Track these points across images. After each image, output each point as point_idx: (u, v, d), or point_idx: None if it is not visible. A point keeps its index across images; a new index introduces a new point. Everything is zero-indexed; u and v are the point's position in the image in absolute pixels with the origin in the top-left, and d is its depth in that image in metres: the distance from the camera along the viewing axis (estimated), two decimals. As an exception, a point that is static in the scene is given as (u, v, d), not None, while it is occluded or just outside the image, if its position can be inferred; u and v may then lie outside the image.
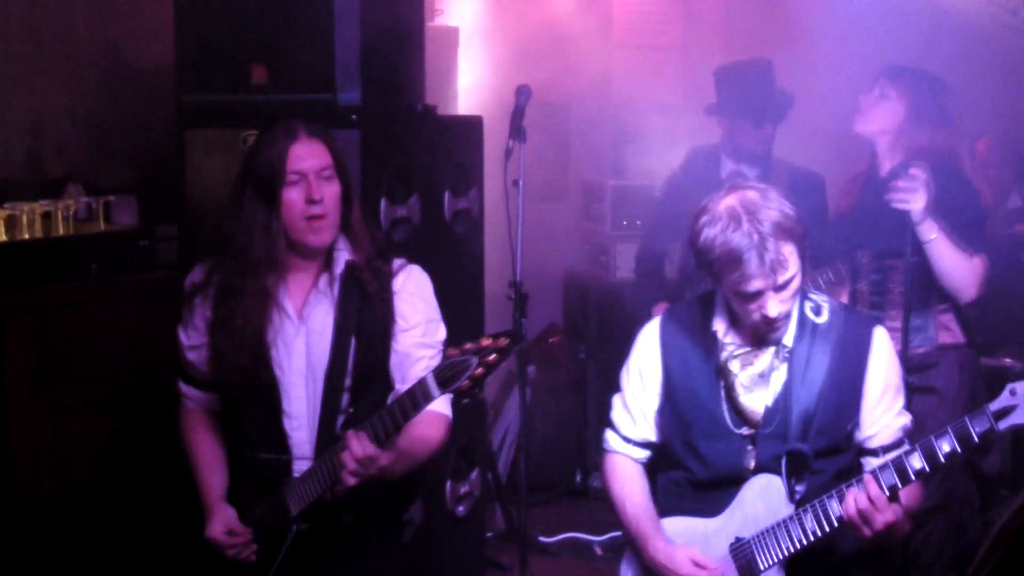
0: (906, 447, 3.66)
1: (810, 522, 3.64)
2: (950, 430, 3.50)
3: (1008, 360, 6.16)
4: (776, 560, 3.69)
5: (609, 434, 4.07)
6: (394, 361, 3.96)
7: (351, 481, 3.63)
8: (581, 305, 8.19)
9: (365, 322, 3.93)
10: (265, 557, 3.96)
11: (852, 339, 3.81)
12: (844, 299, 5.11)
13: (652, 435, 4.00)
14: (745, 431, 3.80)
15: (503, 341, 3.37)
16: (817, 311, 3.82)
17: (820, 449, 3.75)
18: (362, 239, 3.99)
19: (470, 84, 7.95)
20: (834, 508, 3.61)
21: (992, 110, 7.12)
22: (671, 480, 3.96)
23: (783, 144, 6.06)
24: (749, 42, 7.81)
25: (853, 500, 3.56)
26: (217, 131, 5.18)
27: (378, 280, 3.95)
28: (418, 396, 3.50)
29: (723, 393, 3.83)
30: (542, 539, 6.96)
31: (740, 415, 3.81)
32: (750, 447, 3.79)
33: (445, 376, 3.41)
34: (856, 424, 3.83)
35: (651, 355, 3.97)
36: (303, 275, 3.99)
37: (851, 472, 3.76)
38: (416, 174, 5.22)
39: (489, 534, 6.49)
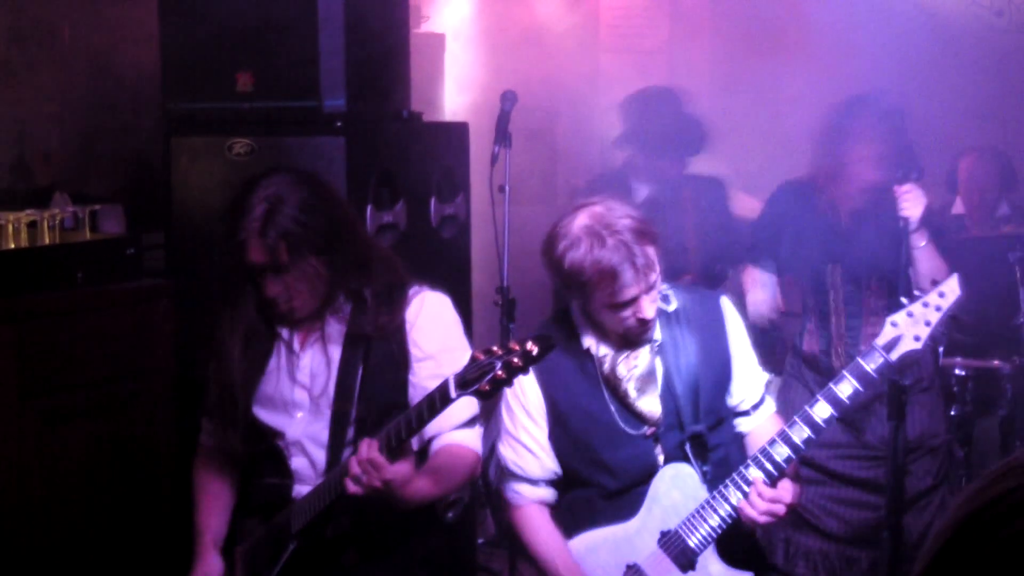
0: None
1: (734, 494, 3.74)
2: (846, 373, 3.76)
3: (996, 362, 6.17)
4: (710, 539, 3.77)
5: (513, 487, 4.04)
6: (411, 393, 3.85)
7: (352, 488, 3.52)
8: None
9: (373, 353, 3.87)
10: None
11: (707, 315, 3.97)
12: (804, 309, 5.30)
13: (555, 465, 4.01)
14: (647, 430, 3.87)
15: (532, 347, 3.30)
16: (666, 300, 3.92)
17: (711, 425, 3.89)
18: (363, 279, 3.90)
19: (456, 90, 7.95)
20: (779, 452, 3.75)
21: (978, 113, 7.14)
22: (579, 498, 3.99)
23: (767, 149, 6.08)
24: (735, 45, 7.83)
25: (757, 499, 3.70)
26: (203, 139, 5.18)
27: (387, 313, 3.87)
28: (436, 398, 3.43)
29: (614, 403, 3.89)
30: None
31: (638, 417, 3.88)
32: (655, 444, 3.87)
33: (467, 378, 3.35)
34: (729, 392, 3.99)
35: (530, 389, 3.98)
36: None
37: (733, 442, 4.01)
38: (402, 180, 5.22)
39: (480, 540, 6.47)
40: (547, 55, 8.10)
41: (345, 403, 3.86)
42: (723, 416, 3.97)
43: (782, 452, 3.76)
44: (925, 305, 3.71)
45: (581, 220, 3.75)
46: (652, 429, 3.87)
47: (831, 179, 5.26)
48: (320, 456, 3.89)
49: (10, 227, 4.75)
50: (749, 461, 3.77)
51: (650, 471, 3.86)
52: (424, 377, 3.82)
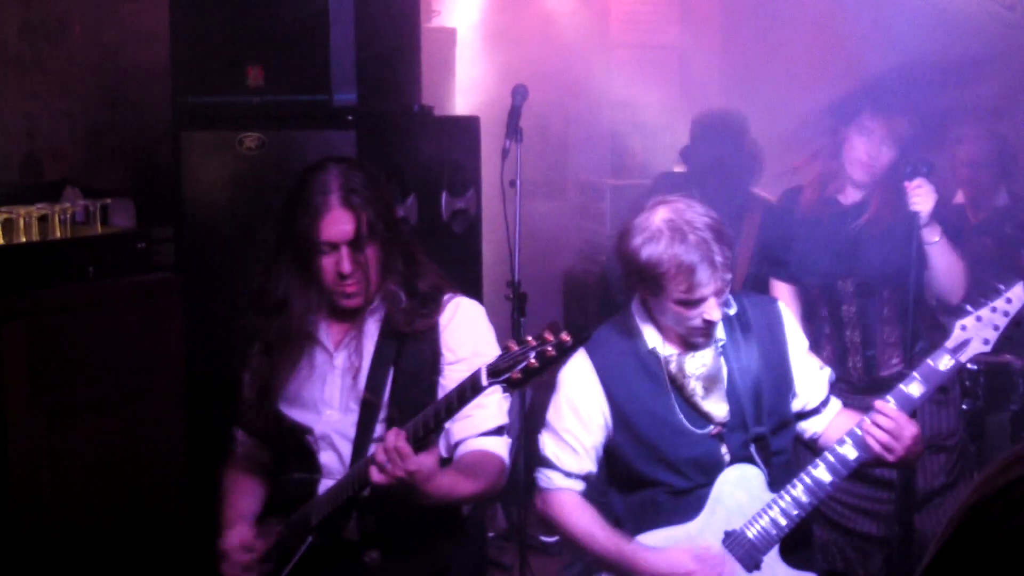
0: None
1: (805, 494, 3.78)
2: (916, 374, 3.83)
3: (1009, 356, 6.15)
4: (776, 540, 3.79)
5: (546, 473, 4.03)
6: (440, 397, 3.79)
7: (376, 476, 3.50)
8: (581, 305, 8.18)
9: (405, 356, 3.88)
10: (277, 570, 3.93)
11: (766, 319, 3.99)
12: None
13: (592, 466, 4.01)
14: (712, 430, 3.87)
15: (566, 337, 3.29)
16: (727, 303, 3.91)
17: (773, 428, 3.90)
18: (402, 281, 3.91)
19: (467, 84, 7.95)
20: (847, 453, 3.80)
21: (987, 107, 7.12)
22: (645, 499, 3.97)
23: (778, 147, 6.06)
24: (746, 41, 7.82)
25: (876, 429, 3.76)
26: (213, 133, 5.18)
27: (420, 315, 3.88)
28: (467, 387, 3.42)
29: (679, 403, 3.89)
30: (543, 538, 6.95)
31: (704, 417, 3.88)
32: (720, 444, 3.87)
33: (498, 368, 3.34)
34: (793, 395, 3.99)
35: (588, 390, 3.97)
36: (343, 315, 3.96)
37: (810, 440, 4.08)
38: (413, 174, 5.22)
39: (491, 534, 6.48)
40: (558, 50, 8.09)
41: (375, 400, 3.86)
42: (787, 420, 3.97)
43: (851, 453, 3.78)
44: (993, 310, 3.80)
45: (662, 214, 3.75)
46: (718, 428, 3.87)
47: (832, 177, 5.26)
48: (348, 450, 3.90)
49: (21, 221, 4.75)
50: (818, 461, 3.80)
51: (716, 470, 3.86)
52: (454, 380, 3.74)
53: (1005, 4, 7.26)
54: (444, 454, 3.84)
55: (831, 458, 3.79)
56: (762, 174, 6.12)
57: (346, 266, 3.80)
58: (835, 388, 5.30)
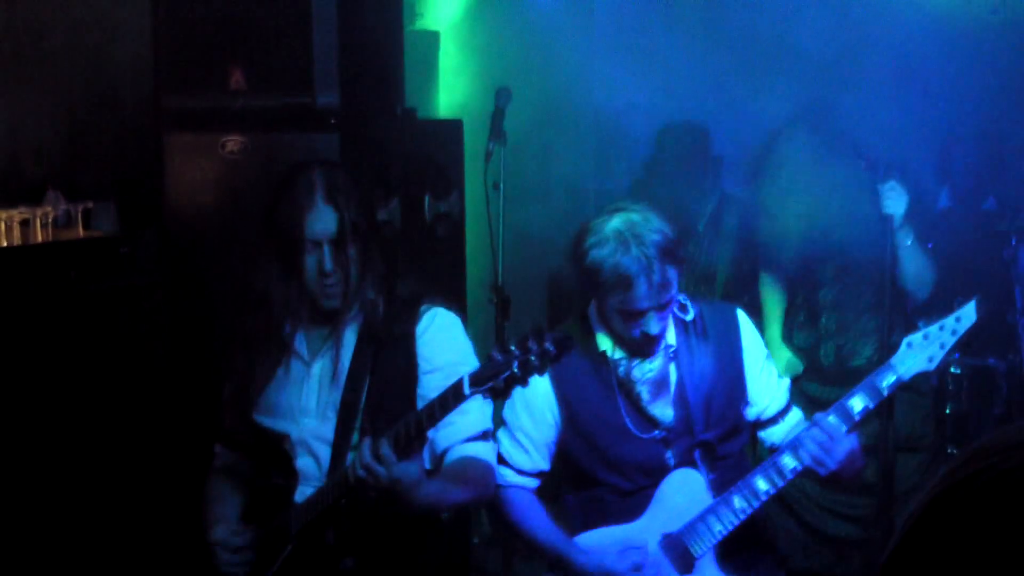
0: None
1: (739, 501, 3.81)
2: (858, 391, 3.83)
3: (992, 359, 6.16)
4: (710, 545, 3.83)
5: (500, 470, 4.07)
6: (420, 406, 3.83)
7: (360, 473, 3.52)
8: (565, 309, 8.16)
9: (382, 364, 3.90)
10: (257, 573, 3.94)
11: (722, 325, 4.00)
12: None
13: (545, 464, 4.09)
14: (657, 434, 3.92)
15: (550, 347, 3.33)
16: (684, 309, 3.98)
17: (722, 434, 3.94)
18: (381, 287, 3.95)
19: (451, 87, 7.93)
20: (786, 463, 3.81)
21: (971, 109, 7.13)
22: (590, 498, 4.06)
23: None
24: (731, 44, 7.81)
25: (811, 442, 3.77)
26: (196, 136, 5.17)
27: (397, 324, 3.92)
28: (449, 396, 3.46)
29: (626, 406, 3.94)
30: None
31: (650, 421, 3.92)
32: (666, 448, 3.92)
33: (481, 376, 3.39)
34: (746, 402, 4.00)
35: (541, 388, 4.01)
36: (321, 320, 3.97)
37: (744, 453, 4.07)
38: (396, 177, 5.20)
39: (475, 540, 6.46)
40: (541, 53, 8.08)
41: (351, 408, 3.88)
42: (739, 426, 4.01)
43: (788, 463, 3.79)
44: (941, 328, 3.81)
45: (614, 223, 3.81)
46: (663, 433, 3.91)
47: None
48: (326, 456, 3.91)
49: (2, 225, 4.73)
50: (756, 469, 3.81)
51: (660, 474, 3.91)
52: (431, 389, 3.80)
53: (988, 7, 7.27)
54: (428, 466, 3.85)
55: (768, 467, 3.81)
56: (727, 177, 6.13)
57: (328, 264, 3.82)
58: (806, 380, 5.36)
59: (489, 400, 3.85)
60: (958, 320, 3.79)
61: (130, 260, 5.12)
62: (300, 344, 3.99)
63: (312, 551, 3.87)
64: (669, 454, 3.90)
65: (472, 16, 8.25)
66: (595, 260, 3.78)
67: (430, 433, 3.68)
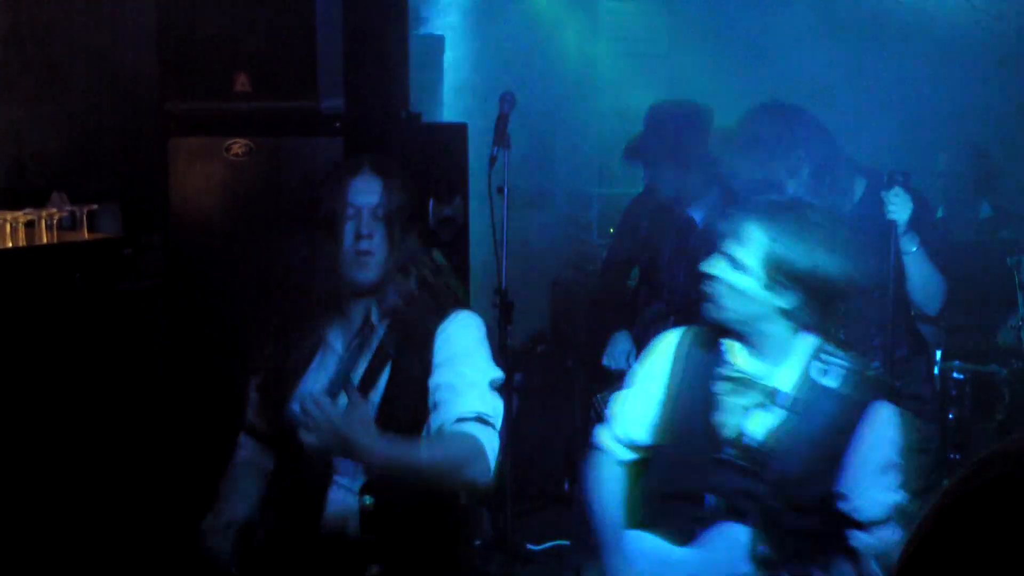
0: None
1: None
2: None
3: (994, 366, 6.17)
4: None
5: (600, 430, 4.02)
6: (430, 399, 3.87)
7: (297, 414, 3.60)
8: (568, 313, 8.18)
9: (402, 357, 3.93)
10: None
11: (850, 407, 3.69)
12: None
13: (644, 437, 3.92)
14: (717, 456, 3.73)
15: None
16: (825, 373, 3.72)
17: (794, 509, 3.68)
18: (416, 280, 3.98)
19: (455, 91, 7.95)
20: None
21: (973, 116, 7.15)
22: (649, 488, 3.94)
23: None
24: (734, 48, 7.83)
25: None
26: (201, 139, 5.18)
27: (423, 320, 3.94)
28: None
29: (708, 408, 3.77)
30: (530, 547, 6.94)
31: (715, 431, 3.74)
32: (717, 470, 3.73)
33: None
34: (840, 494, 3.70)
35: (663, 358, 3.93)
36: (352, 310, 4.01)
37: (818, 539, 3.72)
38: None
39: (477, 542, 6.47)
40: (546, 58, 8.10)
41: (368, 397, 3.89)
42: (811, 507, 3.71)
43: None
44: None
45: None
46: (719, 454, 3.73)
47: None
48: None
49: (8, 227, 4.74)
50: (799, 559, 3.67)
51: (698, 488, 3.76)
52: (436, 383, 3.84)
53: (992, 14, 7.28)
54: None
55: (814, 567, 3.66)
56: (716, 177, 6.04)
57: (364, 227, 3.87)
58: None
59: (497, 394, 3.87)
60: None
61: (134, 263, 5.13)
62: (334, 337, 4.02)
63: (341, 553, 3.90)
64: (716, 480, 3.72)
65: (476, 21, 8.27)
66: None
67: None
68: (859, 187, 5.25)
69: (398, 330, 3.95)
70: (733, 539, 3.69)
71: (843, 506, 3.70)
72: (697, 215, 5.87)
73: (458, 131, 5.77)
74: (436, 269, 4.07)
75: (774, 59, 7.34)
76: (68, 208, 5.13)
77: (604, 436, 4.03)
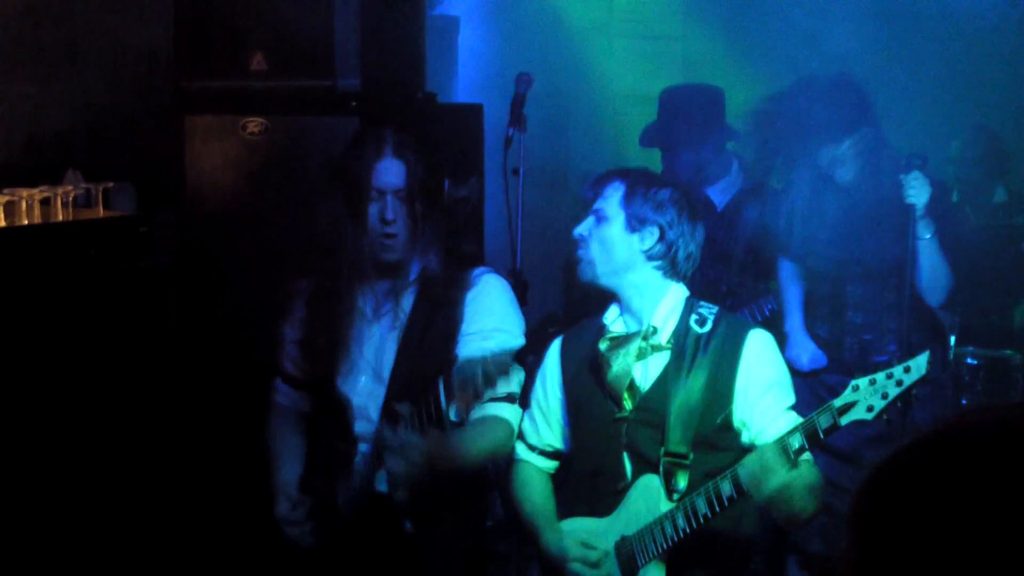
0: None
1: (682, 520, 3.73)
2: (798, 429, 3.61)
3: (1008, 352, 6.16)
4: (652, 556, 3.80)
5: (518, 444, 4.19)
6: (455, 366, 3.91)
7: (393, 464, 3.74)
8: (582, 295, 8.16)
9: (433, 327, 4.05)
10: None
11: (728, 343, 3.89)
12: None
13: (557, 442, 4.15)
14: (619, 416, 3.90)
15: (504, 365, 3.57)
16: (701, 322, 3.93)
17: (697, 450, 3.84)
18: (440, 251, 4.10)
19: (470, 72, 7.94)
20: (723, 488, 3.68)
21: (989, 102, 7.14)
22: (573, 476, 4.10)
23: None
24: (749, 31, 7.81)
25: (746, 467, 3.63)
26: (216, 117, 5.18)
27: (452, 289, 4.07)
28: (430, 409, 3.76)
29: (601, 377, 3.94)
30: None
31: (610, 395, 3.91)
32: (623, 430, 3.90)
33: (452, 391, 3.67)
34: (739, 424, 3.87)
35: (552, 364, 4.14)
36: (382, 280, 4.13)
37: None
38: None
39: (488, 523, 6.47)
40: (562, 39, 8.09)
41: (404, 370, 4.04)
42: (722, 446, 3.88)
43: (726, 488, 3.70)
44: (889, 376, 3.60)
45: None
46: (622, 415, 3.90)
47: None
48: (377, 416, 4.07)
49: (23, 204, 4.74)
50: (701, 489, 3.73)
51: (611, 455, 3.92)
52: (466, 349, 3.97)
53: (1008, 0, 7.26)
54: (454, 418, 4.02)
55: (709, 489, 3.71)
56: (739, 163, 6.02)
57: (390, 213, 3.98)
58: (827, 373, 5.34)
59: (517, 366, 3.91)
60: (907, 371, 3.60)
61: (149, 240, 5.13)
62: (364, 301, 4.13)
63: (374, 532, 4.06)
64: (625, 441, 3.89)
65: (492, 1, 8.25)
66: None
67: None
68: (886, 158, 5.23)
69: (427, 299, 4.07)
70: (649, 487, 3.85)
71: (745, 437, 3.87)
72: (716, 197, 5.87)
73: (474, 111, 5.78)
74: (456, 236, 4.18)
75: (789, 42, 7.32)
76: (83, 186, 5.13)
77: (522, 450, 4.19)
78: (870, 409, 3.57)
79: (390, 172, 3.99)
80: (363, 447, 4.09)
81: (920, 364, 3.58)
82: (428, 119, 5.39)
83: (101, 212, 5.05)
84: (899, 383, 3.58)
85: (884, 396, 3.58)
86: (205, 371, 5.11)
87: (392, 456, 3.71)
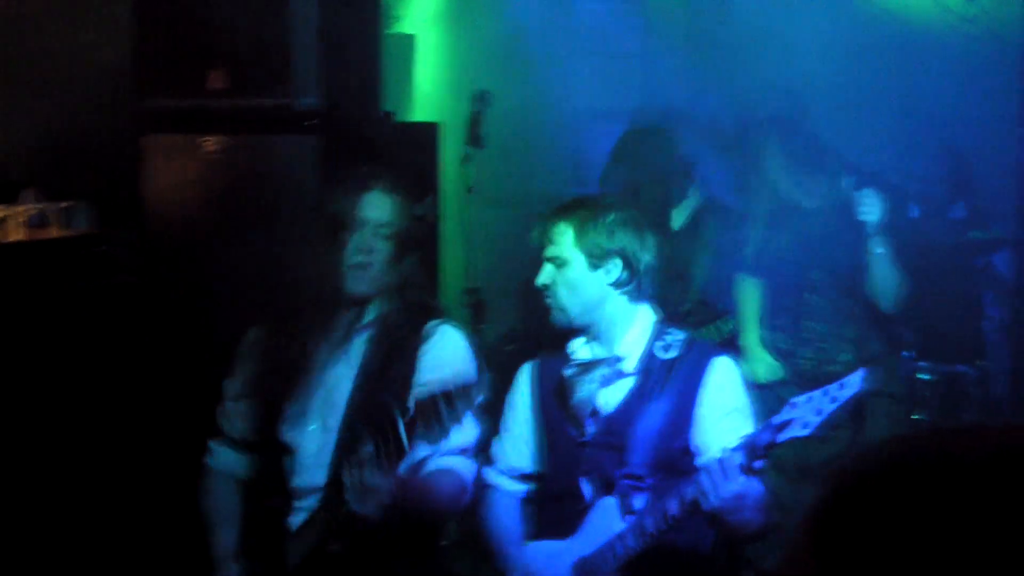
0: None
1: (631, 538, 3.76)
2: (742, 444, 3.61)
3: (961, 367, 6.21)
4: (608, 573, 3.82)
5: (487, 468, 4.21)
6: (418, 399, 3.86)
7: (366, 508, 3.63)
8: (539, 313, 8.17)
9: (389, 373, 3.99)
10: None
11: (692, 369, 3.94)
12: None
13: (524, 464, 4.17)
14: (581, 440, 3.96)
15: (468, 393, 3.47)
16: (667, 349, 3.98)
17: (657, 473, 3.88)
18: (400, 298, 4.08)
19: (428, 90, 7.95)
20: (670, 507, 3.68)
21: (943, 116, 7.19)
22: (539, 499, 4.15)
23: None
24: (709, 48, 7.85)
25: (703, 473, 3.62)
26: (175, 136, 5.18)
27: (410, 337, 4.03)
28: (392, 450, 3.56)
29: (562, 402, 4.03)
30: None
31: (574, 419, 3.99)
32: (584, 458, 3.95)
33: (416, 428, 3.52)
34: (696, 447, 3.91)
35: (522, 389, 4.20)
36: (340, 317, 4.09)
37: None
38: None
39: (443, 543, 6.47)
40: (519, 57, 8.11)
41: (353, 418, 3.96)
42: (679, 469, 3.88)
43: (672, 507, 3.72)
44: (824, 393, 3.59)
45: None
46: (585, 438, 3.95)
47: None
48: (320, 475, 3.98)
49: (-20, 223, 4.73)
50: (644, 513, 3.77)
51: (571, 477, 3.96)
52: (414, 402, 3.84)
53: (966, 17, 7.32)
54: (404, 471, 3.87)
55: (656, 507, 3.74)
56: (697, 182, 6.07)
57: (369, 243, 3.97)
58: (783, 384, 5.39)
59: (476, 420, 3.94)
60: (841, 387, 3.61)
61: (108, 260, 5.12)
62: (317, 344, 4.07)
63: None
64: (586, 465, 3.94)
65: (449, 19, 8.27)
66: None
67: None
68: (844, 179, 5.31)
69: (382, 345, 4.02)
70: (606, 508, 3.89)
71: (699, 461, 3.88)
72: (676, 217, 5.93)
73: (430, 130, 5.79)
74: (424, 288, 4.21)
75: (749, 59, 7.36)
76: (41, 205, 5.12)
77: (491, 474, 4.22)
78: (806, 426, 3.56)
79: (376, 206, 3.99)
80: (307, 502, 3.99)
81: (854, 381, 3.60)
82: (385, 137, 5.41)
83: (59, 232, 5.05)
84: (833, 399, 3.57)
85: (819, 413, 3.57)
86: (165, 389, 5.10)
87: (357, 498, 3.60)
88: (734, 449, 3.61)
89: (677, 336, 4.01)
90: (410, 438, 3.55)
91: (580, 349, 4.03)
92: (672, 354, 3.96)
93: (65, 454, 4.84)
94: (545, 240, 3.98)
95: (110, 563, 4.98)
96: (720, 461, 3.57)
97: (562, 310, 3.98)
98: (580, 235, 3.92)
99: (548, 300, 3.99)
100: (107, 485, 4.99)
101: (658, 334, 4.00)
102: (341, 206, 4.00)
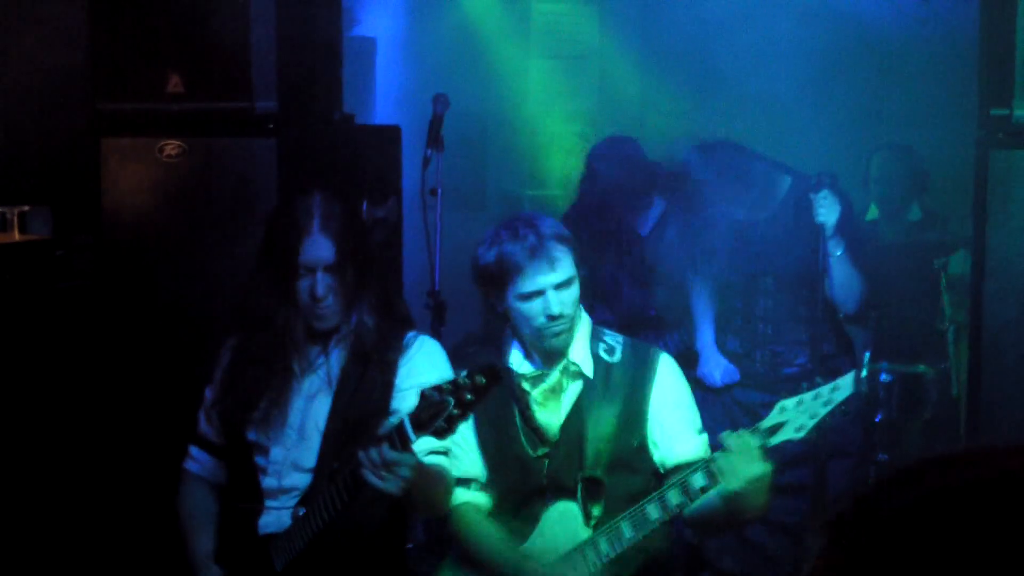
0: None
1: (604, 545, 3.78)
2: (724, 443, 3.63)
3: (921, 367, 6.24)
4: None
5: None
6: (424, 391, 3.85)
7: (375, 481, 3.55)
8: (501, 315, 8.17)
9: (364, 387, 3.99)
10: None
11: (638, 370, 3.98)
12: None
13: (477, 471, 4.09)
14: (540, 453, 3.95)
15: (480, 379, 3.38)
16: (611, 352, 4.01)
17: (614, 474, 3.91)
18: (373, 308, 4.03)
19: (388, 93, 7.95)
20: (651, 512, 3.73)
21: (897, 118, 7.24)
22: (496, 511, 4.08)
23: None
24: (665, 48, 7.87)
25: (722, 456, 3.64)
26: (133, 139, 5.15)
27: (387, 351, 4.01)
28: (395, 440, 3.49)
29: (518, 417, 3.99)
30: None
31: (535, 432, 3.97)
32: (546, 469, 3.95)
33: (422, 419, 3.42)
34: (653, 444, 3.95)
35: None
36: (315, 338, 4.06)
37: (644, 495, 3.84)
38: (333, 183, 5.21)
39: (409, 545, 6.46)
40: (479, 59, 8.11)
41: (333, 429, 3.96)
42: (637, 469, 3.95)
43: (653, 512, 3.74)
44: (816, 397, 3.66)
45: (505, 221, 3.97)
46: (546, 451, 3.95)
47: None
48: (295, 480, 3.99)
49: (-63, 228, 4.70)
50: (624, 515, 3.78)
51: (533, 490, 3.96)
52: (410, 403, 3.86)
53: (917, 18, 7.37)
54: None
55: (635, 513, 3.76)
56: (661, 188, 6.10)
57: (320, 290, 3.91)
58: (739, 387, 5.40)
59: None
60: (834, 390, 3.62)
61: (66, 264, 5.10)
62: (293, 358, 4.05)
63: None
64: (547, 475, 3.93)
65: (409, 23, 8.27)
66: (483, 257, 3.91)
67: None
68: (783, 187, 5.35)
69: (359, 355, 4.01)
70: (566, 513, 3.91)
71: (656, 456, 3.95)
72: (642, 224, 5.94)
73: (391, 132, 5.79)
74: (390, 297, 4.16)
75: (703, 58, 7.38)
76: (-2, 209, 5.09)
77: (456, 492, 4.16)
78: (799, 429, 3.62)
79: (318, 247, 3.91)
80: (268, 512, 4.00)
81: (847, 383, 3.63)
82: (346, 140, 5.40)
83: (17, 236, 5.01)
84: (827, 402, 3.63)
85: (813, 416, 3.63)
86: (121, 394, 5.07)
87: (376, 474, 3.51)
88: (717, 455, 3.64)
89: (616, 339, 4.05)
90: (416, 434, 3.53)
91: (521, 364, 4.04)
92: (616, 357, 3.99)
93: (22, 458, 4.81)
94: (553, 265, 3.84)
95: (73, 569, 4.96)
96: (746, 444, 3.60)
97: (570, 331, 3.95)
98: (575, 253, 3.90)
99: (560, 326, 3.90)
100: (53, 483, 4.97)
101: (597, 336, 4.03)
102: (284, 254, 3.93)
